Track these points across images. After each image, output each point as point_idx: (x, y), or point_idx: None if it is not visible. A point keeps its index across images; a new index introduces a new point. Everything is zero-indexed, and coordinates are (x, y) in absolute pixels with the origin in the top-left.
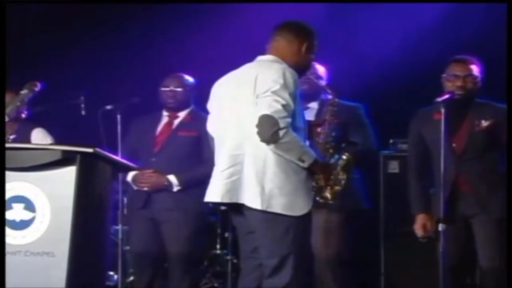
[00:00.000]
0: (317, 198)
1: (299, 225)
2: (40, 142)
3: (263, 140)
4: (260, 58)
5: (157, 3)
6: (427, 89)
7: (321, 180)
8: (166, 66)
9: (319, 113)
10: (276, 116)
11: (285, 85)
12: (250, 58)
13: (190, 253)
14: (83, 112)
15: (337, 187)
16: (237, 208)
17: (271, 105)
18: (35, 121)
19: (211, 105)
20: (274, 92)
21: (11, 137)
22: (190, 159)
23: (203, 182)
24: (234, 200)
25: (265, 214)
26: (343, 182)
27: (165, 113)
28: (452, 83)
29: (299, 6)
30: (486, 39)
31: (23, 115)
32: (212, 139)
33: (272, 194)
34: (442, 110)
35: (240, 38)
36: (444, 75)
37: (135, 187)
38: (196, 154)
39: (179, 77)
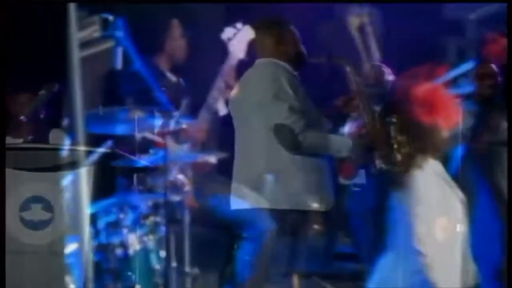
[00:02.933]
0: (383, 166)
1: None
2: (58, 142)
3: None
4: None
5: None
6: None
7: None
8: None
9: None
10: None
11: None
12: None
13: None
14: (101, 113)
15: (403, 149)
16: None
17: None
18: (53, 121)
19: None
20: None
21: (29, 137)
22: None
23: None
24: None
25: None
26: (405, 144)
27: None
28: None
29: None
30: None
31: (41, 116)
32: None
33: None
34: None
35: None
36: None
37: None
38: None
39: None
